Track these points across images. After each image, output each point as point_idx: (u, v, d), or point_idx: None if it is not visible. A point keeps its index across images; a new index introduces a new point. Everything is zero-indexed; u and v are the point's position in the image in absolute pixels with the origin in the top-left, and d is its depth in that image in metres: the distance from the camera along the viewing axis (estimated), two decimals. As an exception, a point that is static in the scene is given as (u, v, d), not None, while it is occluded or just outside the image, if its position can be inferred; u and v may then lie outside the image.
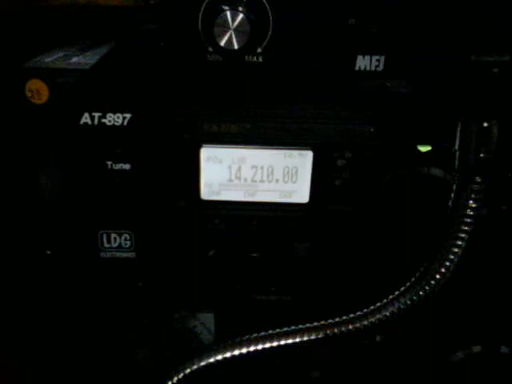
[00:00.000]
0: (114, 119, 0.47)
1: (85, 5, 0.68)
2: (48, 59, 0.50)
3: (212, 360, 0.50)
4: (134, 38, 0.58)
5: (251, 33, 0.45)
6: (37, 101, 0.47)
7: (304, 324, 0.51)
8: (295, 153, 0.49)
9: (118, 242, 0.51)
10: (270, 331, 0.50)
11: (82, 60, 0.51)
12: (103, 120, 0.47)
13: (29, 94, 0.47)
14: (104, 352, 0.58)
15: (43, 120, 0.47)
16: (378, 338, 0.56)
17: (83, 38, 0.64)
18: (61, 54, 0.53)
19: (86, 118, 0.47)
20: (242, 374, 0.56)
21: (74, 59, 0.51)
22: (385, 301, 0.46)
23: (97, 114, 0.46)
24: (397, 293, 0.46)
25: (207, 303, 0.56)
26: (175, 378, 0.51)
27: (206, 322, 0.58)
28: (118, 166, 0.48)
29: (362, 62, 0.48)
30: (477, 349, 0.59)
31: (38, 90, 0.47)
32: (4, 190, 0.55)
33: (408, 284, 0.46)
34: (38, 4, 0.64)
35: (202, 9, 0.46)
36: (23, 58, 0.50)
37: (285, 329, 0.50)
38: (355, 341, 0.56)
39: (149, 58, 0.50)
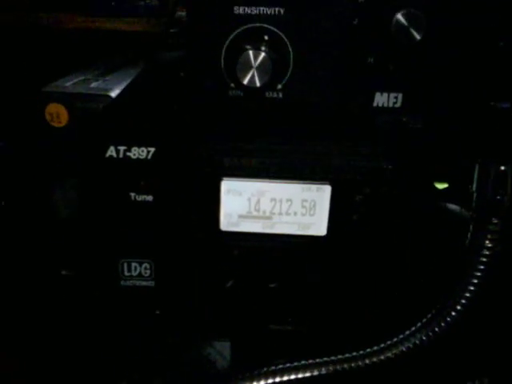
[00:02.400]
0: (139, 153, 0.48)
1: (106, 29, 0.69)
2: (68, 83, 0.51)
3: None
4: (155, 67, 0.60)
5: (273, 71, 0.46)
6: (56, 124, 0.48)
7: (319, 356, 0.51)
8: (314, 187, 0.50)
9: (138, 271, 0.52)
10: (288, 364, 0.51)
11: (102, 85, 0.52)
12: (128, 153, 0.48)
13: (49, 118, 0.48)
14: (119, 380, 0.59)
15: (62, 143, 0.49)
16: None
17: (103, 61, 0.65)
18: (80, 78, 0.54)
19: (111, 151, 0.48)
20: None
21: (94, 84, 0.52)
22: (401, 336, 0.47)
23: (122, 148, 0.48)
24: (413, 329, 0.47)
25: (224, 332, 0.57)
26: None
27: (221, 351, 0.59)
28: (141, 198, 0.49)
29: (380, 99, 0.50)
30: (485, 381, 0.59)
31: (57, 114, 0.48)
32: (25, 209, 0.56)
33: (424, 320, 0.46)
34: (60, 27, 0.66)
35: (225, 47, 0.47)
36: (44, 80, 0.51)
37: (302, 362, 0.50)
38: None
39: (170, 90, 0.51)
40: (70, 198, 0.53)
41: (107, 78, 0.56)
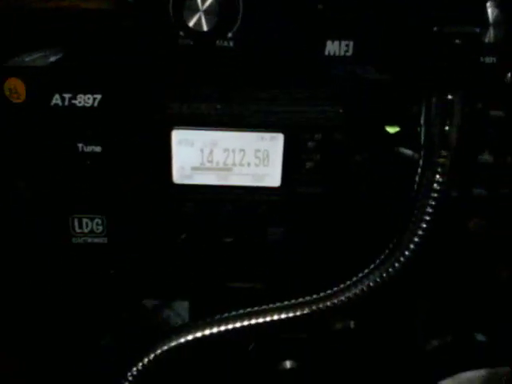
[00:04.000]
0: (85, 100, 0.47)
1: (65, 7, 0.68)
2: (27, 59, 0.49)
3: (182, 340, 0.49)
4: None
5: (220, 15, 0.45)
6: (15, 100, 0.47)
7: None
8: (266, 135, 0.49)
9: (89, 227, 0.51)
10: (241, 311, 0.50)
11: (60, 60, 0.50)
12: (73, 101, 0.47)
13: (7, 93, 0.47)
14: (74, 339, 0.57)
15: (21, 119, 0.47)
16: (351, 325, 0.55)
17: (63, 39, 0.64)
18: (40, 54, 0.52)
19: (56, 99, 0.47)
20: (214, 362, 0.55)
21: (52, 58, 0.50)
22: (354, 279, 0.46)
23: (67, 95, 0.46)
24: (366, 270, 0.46)
25: (181, 291, 0.56)
26: (145, 359, 0.49)
27: (179, 311, 0.58)
28: (89, 149, 0.48)
29: (332, 47, 0.49)
30: (450, 337, 0.59)
31: (16, 89, 0.47)
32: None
33: (378, 260, 0.46)
34: (26, 7, 0.65)
35: None
36: (3, 58, 0.50)
37: (257, 308, 0.49)
38: (329, 327, 0.56)
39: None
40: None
41: (65, 54, 0.54)
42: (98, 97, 0.47)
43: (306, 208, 0.51)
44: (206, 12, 0.45)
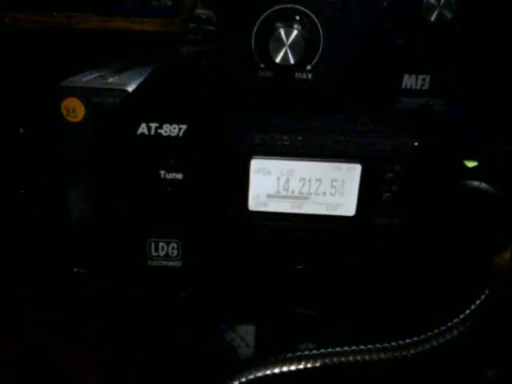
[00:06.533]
0: (171, 130, 0.48)
1: (120, 29, 0.69)
2: (84, 79, 0.50)
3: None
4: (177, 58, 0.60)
5: (305, 49, 0.46)
6: (72, 119, 0.48)
7: (346, 340, 0.51)
8: (344, 166, 0.50)
9: (165, 251, 0.52)
10: (322, 350, 0.50)
11: (118, 81, 0.51)
12: (160, 130, 0.48)
13: (65, 112, 0.48)
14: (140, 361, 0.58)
15: (78, 138, 0.48)
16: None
17: (117, 60, 0.65)
18: (96, 74, 0.53)
19: (143, 128, 0.48)
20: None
21: (110, 79, 0.52)
22: (459, 318, 0.46)
23: (154, 125, 0.48)
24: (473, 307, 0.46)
25: (249, 315, 0.56)
26: None
27: (245, 336, 0.58)
28: (171, 176, 0.49)
29: (408, 81, 0.50)
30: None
31: (74, 109, 0.48)
32: (38, 204, 0.56)
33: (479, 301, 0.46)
34: (75, 27, 0.66)
35: (256, 27, 0.47)
36: (59, 77, 0.51)
37: (337, 348, 0.50)
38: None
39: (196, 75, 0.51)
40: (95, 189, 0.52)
41: (123, 75, 0.56)
42: (184, 127, 0.48)
43: (379, 238, 0.51)
44: (292, 46, 0.46)
